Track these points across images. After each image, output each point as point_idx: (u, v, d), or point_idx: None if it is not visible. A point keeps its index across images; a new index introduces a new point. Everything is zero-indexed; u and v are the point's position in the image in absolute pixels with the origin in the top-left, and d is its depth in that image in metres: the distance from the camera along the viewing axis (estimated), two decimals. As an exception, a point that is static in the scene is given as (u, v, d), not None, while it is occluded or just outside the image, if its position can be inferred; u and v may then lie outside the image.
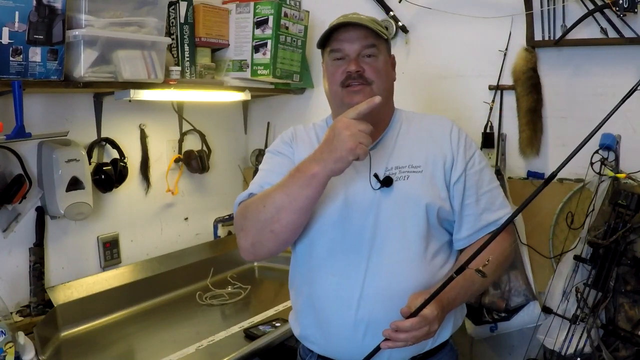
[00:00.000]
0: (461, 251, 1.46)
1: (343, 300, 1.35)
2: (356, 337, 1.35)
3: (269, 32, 2.27)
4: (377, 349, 1.27)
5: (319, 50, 1.50)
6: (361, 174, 1.39)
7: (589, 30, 2.04)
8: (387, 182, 1.37)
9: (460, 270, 1.20)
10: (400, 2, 2.32)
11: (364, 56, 1.41)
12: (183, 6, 2.09)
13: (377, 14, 2.37)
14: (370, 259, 1.35)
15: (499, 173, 2.14)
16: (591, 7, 2.00)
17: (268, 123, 2.76)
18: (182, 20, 2.10)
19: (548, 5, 2.08)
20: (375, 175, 1.37)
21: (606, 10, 1.98)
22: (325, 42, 1.45)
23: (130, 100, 1.94)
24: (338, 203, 1.39)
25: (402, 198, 1.37)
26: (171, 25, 2.09)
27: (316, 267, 1.41)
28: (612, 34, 2.00)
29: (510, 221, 1.24)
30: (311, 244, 1.42)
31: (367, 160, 1.38)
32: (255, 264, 2.67)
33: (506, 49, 2.19)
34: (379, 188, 1.37)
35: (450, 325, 1.43)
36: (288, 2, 2.32)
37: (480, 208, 1.42)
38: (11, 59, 1.49)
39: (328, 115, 1.57)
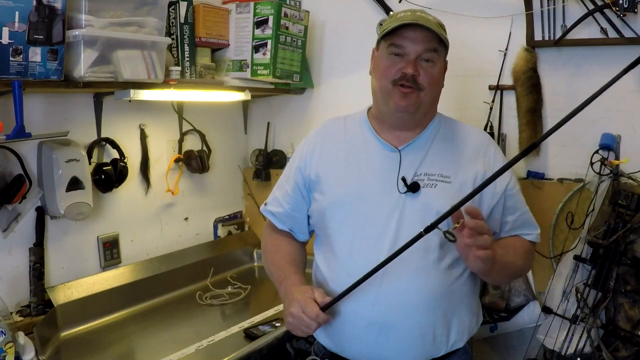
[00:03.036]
0: None
1: (358, 302, 1.35)
2: (369, 338, 1.35)
3: (269, 32, 2.27)
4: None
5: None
6: (389, 174, 1.39)
7: (589, 30, 2.04)
8: (413, 188, 1.36)
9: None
10: (400, 2, 2.31)
11: (423, 60, 1.37)
12: (183, 6, 2.09)
13: (378, 14, 2.37)
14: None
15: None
16: (591, 7, 2.00)
17: (268, 123, 2.76)
18: (182, 20, 2.10)
19: (548, 5, 2.09)
20: (403, 179, 1.37)
21: (606, 10, 1.98)
22: (386, 33, 1.40)
23: (130, 100, 1.94)
24: (361, 201, 1.39)
25: (426, 205, 1.36)
26: (171, 25, 2.08)
27: (334, 267, 1.41)
28: (612, 34, 2.00)
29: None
30: (331, 242, 1.43)
31: (397, 159, 1.40)
32: (255, 264, 2.67)
33: (506, 49, 2.19)
34: (405, 192, 1.37)
35: (466, 333, 1.42)
36: (288, 2, 2.32)
37: (515, 226, 1.47)
38: (11, 59, 1.49)
39: (364, 109, 1.54)
